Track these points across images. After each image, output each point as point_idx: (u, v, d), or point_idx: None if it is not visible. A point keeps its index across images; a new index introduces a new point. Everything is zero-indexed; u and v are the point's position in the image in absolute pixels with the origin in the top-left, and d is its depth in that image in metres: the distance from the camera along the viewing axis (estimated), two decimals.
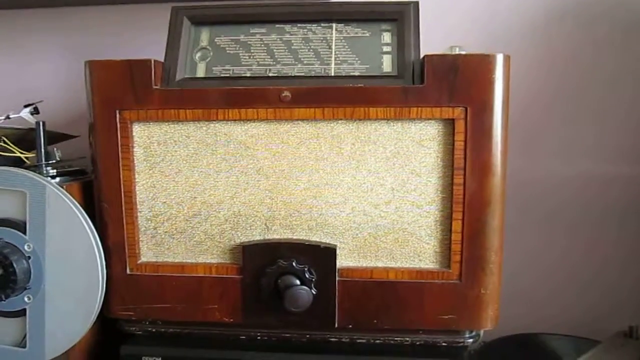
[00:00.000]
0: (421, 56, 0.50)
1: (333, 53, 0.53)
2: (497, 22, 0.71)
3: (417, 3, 0.53)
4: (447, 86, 0.48)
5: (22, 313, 0.52)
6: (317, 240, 0.51)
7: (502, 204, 0.50)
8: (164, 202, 0.53)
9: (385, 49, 0.52)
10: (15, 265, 0.49)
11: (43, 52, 0.77)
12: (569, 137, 0.73)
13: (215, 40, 0.54)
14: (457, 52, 0.50)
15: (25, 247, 0.51)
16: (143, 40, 0.74)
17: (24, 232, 0.51)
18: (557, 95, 0.72)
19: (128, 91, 0.51)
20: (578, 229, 0.74)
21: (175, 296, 0.53)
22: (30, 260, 0.51)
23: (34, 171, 0.52)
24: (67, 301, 0.51)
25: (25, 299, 0.51)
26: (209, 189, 0.52)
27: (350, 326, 0.52)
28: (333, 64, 0.52)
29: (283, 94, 0.49)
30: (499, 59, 0.48)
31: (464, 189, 0.49)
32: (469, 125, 0.48)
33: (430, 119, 0.49)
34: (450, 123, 0.49)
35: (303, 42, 0.53)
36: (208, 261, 0.53)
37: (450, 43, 0.53)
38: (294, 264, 0.50)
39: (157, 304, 0.53)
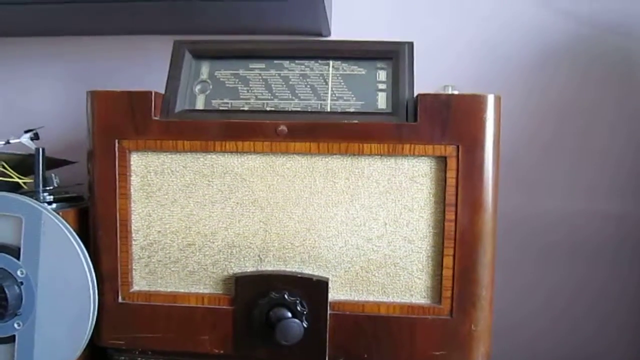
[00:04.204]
0: (415, 94, 0.52)
1: (329, 89, 0.54)
2: (493, 63, 0.73)
3: (412, 43, 0.55)
4: (439, 124, 0.49)
5: (11, 339, 0.51)
6: (310, 272, 0.52)
7: (493, 240, 0.51)
8: (159, 231, 0.53)
9: (380, 86, 0.54)
10: (7, 290, 0.49)
11: (44, 78, 0.78)
12: (565, 176, 0.74)
13: (215, 73, 0.56)
14: (450, 92, 0.51)
15: (18, 273, 0.51)
16: (143, 70, 0.76)
17: (18, 258, 0.51)
18: (554, 136, 0.73)
19: (128, 121, 0.52)
20: (572, 266, 0.74)
21: (166, 326, 0.53)
22: (22, 286, 0.51)
23: (31, 197, 0.53)
24: (57, 328, 0.51)
25: (15, 325, 0.51)
26: (204, 219, 0.52)
27: None
28: (329, 99, 0.54)
29: (279, 128, 0.50)
30: (490, 99, 0.49)
31: (456, 225, 0.50)
32: (461, 162, 0.49)
33: (423, 156, 0.50)
34: (442, 160, 0.50)
35: (300, 77, 0.55)
36: (200, 291, 0.53)
37: (444, 82, 0.54)
38: (285, 296, 0.50)
39: (148, 333, 0.53)
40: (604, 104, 0.73)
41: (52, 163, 0.62)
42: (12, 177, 0.58)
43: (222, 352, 0.52)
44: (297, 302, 0.50)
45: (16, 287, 0.50)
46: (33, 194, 0.55)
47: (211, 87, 0.55)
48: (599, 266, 0.74)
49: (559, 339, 0.75)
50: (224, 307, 0.52)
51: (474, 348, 0.51)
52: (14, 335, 0.51)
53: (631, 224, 0.73)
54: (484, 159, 0.49)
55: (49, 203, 0.54)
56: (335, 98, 0.54)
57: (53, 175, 0.57)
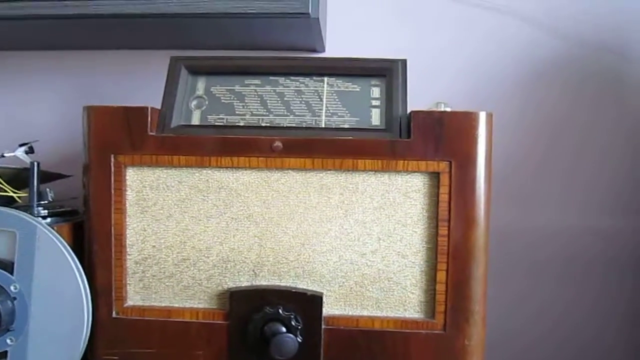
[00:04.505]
0: (408, 111, 0.52)
1: (324, 105, 0.55)
2: (483, 79, 0.75)
3: (405, 61, 0.56)
4: (432, 141, 0.50)
5: (3, 355, 0.51)
6: (304, 287, 0.52)
7: (486, 255, 0.52)
8: (154, 246, 0.53)
9: (374, 103, 0.55)
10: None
11: (42, 92, 0.79)
12: (557, 192, 0.75)
13: (211, 89, 0.56)
14: (442, 109, 0.52)
15: (12, 288, 0.50)
16: (140, 85, 0.76)
17: (12, 273, 0.50)
18: (547, 152, 0.75)
19: (124, 136, 0.52)
20: (563, 280, 0.75)
21: (160, 341, 0.52)
22: (15, 302, 0.50)
23: (25, 211, 0.53)
24: (50, 344, 0.51)
25: (8, 340, 0.51)
26: (199, 234, 0.53)
27: None
28: (324, 116, 0.54)
29: (275, 144, 0.51)
30: (482, 116, 0.50)
31: (449, 240, 0.50)
32: (453, 178, 0.50)
33: (416, 172, 0.51)
34: (435, 176, 0.50)
35: (295, 94, 0.56)
36: (195, 306, 0.53)
37: (436, 99, 0.55)
38: (280, 311, 0.51)
39: (142, 348, 0.53)
40: (596, 122, 0.74)
41: (47, 177, 0.62)
42: (6, 191, 0.58)
43: None
44: (292, 316, 0.51)
45: (9, 303, 0.50)
46: (27, 208, 0.55)
47: (207, 102, 0.56)
48: (589, 280, 0.75)
49: (552, 350, 0.75)
50: (219, 322, 0.52)
51: None
52: (6, 352, 0.51)
53: (622, 240, 0.74)
54: (476, 175, 0.50)
55: (44, 217, 0.54)
56: (329, 114, 0.54)
57: (48, 189, 0.57)
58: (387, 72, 0.55)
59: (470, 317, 0.51)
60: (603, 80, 0.74)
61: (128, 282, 0.53)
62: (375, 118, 0.54)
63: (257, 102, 0.55)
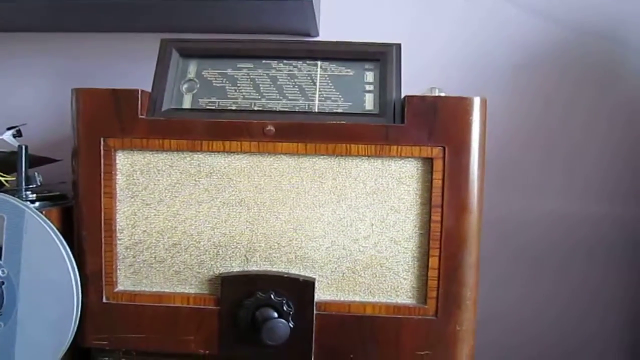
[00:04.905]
0: (402, 96, 0.52)
1: (317, 90, 0.54)
2: (477, 64, 0.74)
3: (399, 45, 0.55)
4: (426, 126, 0.50)
5: None
6: (296, 273, 0.52)
7: (478, 241, 0.52)
8: (144, 231, 0.53)
9: (368, 87, 0.54)
10: None
11: (29, 74, 0.77)
12: (542, 176, 0.75)
13: (203, 72, 0.55)
14: (436, 94, 0.51)
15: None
16: (129, 68, 0.75)
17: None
18: (532, 136, 0.75)
19: (114, 120, 0.51)
20: (546, 265, 0.76)
21: (151, 326, 0.52)
22: (3, 286, 0.50)
23: (13, 195, 0.52)
24: (39, 329, 0.50)
25: None
26: (190, 219, 0.52)
27: None
28: (317, 100, 0.54)
29: (267, 128, 0.50)
30: (476, 101, 0.50)
31: (441, 226, 0.50)
32: (447, 164, 0.50)
33: (409, 157, 0.50)
34: (428, 162, 0.50)
35: (288, 78, 0.55)
36: (186, 291, 0.53)
37: (430, 84, 0.55)
38: (272, 296, 0.50)
39: (132, 333, 0.52)
40: (582, 106, 0.74)
41: (35, 161, 0.61)
42: None
43: (207, 352, 0.52)
44: (284, 302, 0.50)
45: None
46: (15, 192, 0.54)
47: (198, 86, 0.55)
48: (571, 266, 0.75)
49: (533, 335, 0.76)
50: (210, 307, 0.52)
51: (459, 348, 0.51)
52: None
53: (606, 224, 0.75)
54: (470, 161, 0.50)
55: (32, 202, 0.53)
56: (323, 99, 0.54)
57: (36, 173, 0.56)
58: (381, 57, 0.54)
59: (462, 303, 0.51)
60: (601, 68, 0.73)
61: (118, 267, 0.53)
62: (369, 103, 0.53)
63: (250, 86, 0.54)
